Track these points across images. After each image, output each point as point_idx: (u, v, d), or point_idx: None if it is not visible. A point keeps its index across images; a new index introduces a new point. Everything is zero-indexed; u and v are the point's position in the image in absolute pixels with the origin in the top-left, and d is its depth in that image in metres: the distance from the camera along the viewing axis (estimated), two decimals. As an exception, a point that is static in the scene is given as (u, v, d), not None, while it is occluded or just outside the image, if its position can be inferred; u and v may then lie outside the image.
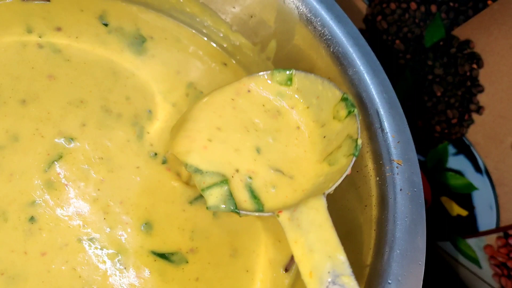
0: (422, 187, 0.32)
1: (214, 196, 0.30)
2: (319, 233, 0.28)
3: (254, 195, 0.31)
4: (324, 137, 0.34)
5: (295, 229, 0.29)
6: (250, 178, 0.32)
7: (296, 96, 0.35)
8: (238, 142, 0.33)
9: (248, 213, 0.31)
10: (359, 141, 0.31)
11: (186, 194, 0.37)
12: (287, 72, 0.35)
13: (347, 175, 0.30)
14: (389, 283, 0.29)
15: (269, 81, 0.35)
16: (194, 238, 0.36)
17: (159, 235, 0.35)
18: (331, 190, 0.30)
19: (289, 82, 0.35)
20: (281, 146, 0.34)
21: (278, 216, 0.30)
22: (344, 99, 0.33)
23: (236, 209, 0.30)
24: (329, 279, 0.26)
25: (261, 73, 0.35)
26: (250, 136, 0.33)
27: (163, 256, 0.35)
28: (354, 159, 0.31)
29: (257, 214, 0.31)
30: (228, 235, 0.37)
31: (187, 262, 0.35)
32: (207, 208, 0.30)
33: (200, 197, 0.37)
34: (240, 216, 0.31)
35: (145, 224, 0.35)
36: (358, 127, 0.32)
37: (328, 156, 0.33)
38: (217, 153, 0.32)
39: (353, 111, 0.32)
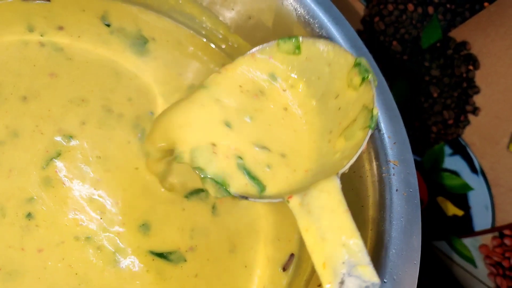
0: (418, 187, 0.33)
1: (211, 188, 0.29)
2: (332, 219, 0.26)
3: (251, 176, 0.30)
4: (339, 108, 0.31)
5: (306, 216, 0.26)
6: (240, 158, 0.30)
7: (294, 75, 0.33)
8: (189, 115, 0.31)
9: (257, 200, 0.29)
10: (375, 111, 0.29)
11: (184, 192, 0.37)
12: (293, 40, 0.32)
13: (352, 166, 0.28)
14: (384, 282, 0.29)
15: (271, 60, 0.32)
16: (194, 237, 0.36)
17: (157, 235, 0.35)
18: (345, 168, 0.28)
19: (297, 51, 0.32)
20: (263, 125, 0.32)
21: (288, 202, 0.27)
22: (357, 65, 0.30)
23: (230, 193, 0.28)
24: (344, 271, 0.24)
25: (265, 44, 0.33)
26: (208, 110, 0.31)
27: (161, 255, 0.35)
28: (370, 132, 0.28)
29: (266, 200, 0.29)
30: (228, 232, 0.37)
31: (186, 261, 0.35)
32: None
33: (196, 192, 0.37)
34: (240, 200, 0.29)
35: (143, 225, 0.35)
36: (374, 95, 0.29)
37: (344, 130, 0.30)
38: (169, 131, 0.30)
39: (367, 77, 0.30)
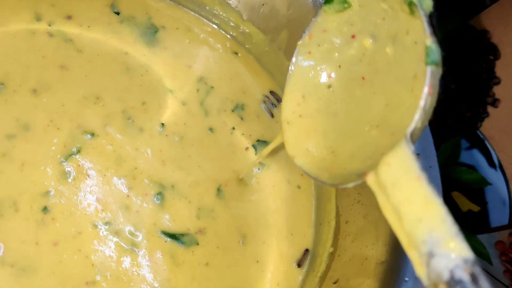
0: (440, 181, 0.32)
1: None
2: (398, 192, 0.22)
3: None
4: (416, 43, 0.25)
5: (381, 193, 0.23)
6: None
7: (356, 32, 0.28)
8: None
9: (343, 185, 0.26)
10: (429, 41, 0.23)
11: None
12: None
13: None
14: (405, 280, 0.28)
15: (326, 32, 0.29)
16: (201, 217, 0.36)
17: (169, 207, 0.35)
18: (413, 126, 0.23)
19: (346, 5, 0.28)
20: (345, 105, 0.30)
21: (366, 181, 0.24)
22: None
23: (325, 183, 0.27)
24: (426, 250, 0.20)
25: (310, 23, 0.29)
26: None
27: (173, 236, 0.35)
28: (429, 69, 0.23)
29: (351, 184, 0.26)
30: (235, 219, 0.37)
31: (197, 244, 0.35)
32: None
33: None
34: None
35: (158, 194, 0.35)
36: (424, 20, 0.23)
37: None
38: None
39: (411, 2, 0.24)
